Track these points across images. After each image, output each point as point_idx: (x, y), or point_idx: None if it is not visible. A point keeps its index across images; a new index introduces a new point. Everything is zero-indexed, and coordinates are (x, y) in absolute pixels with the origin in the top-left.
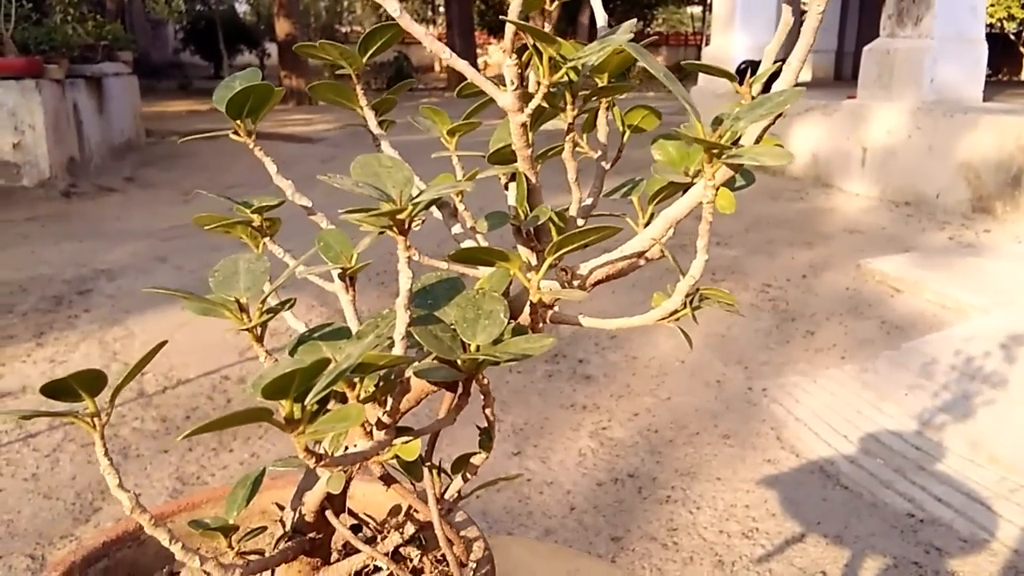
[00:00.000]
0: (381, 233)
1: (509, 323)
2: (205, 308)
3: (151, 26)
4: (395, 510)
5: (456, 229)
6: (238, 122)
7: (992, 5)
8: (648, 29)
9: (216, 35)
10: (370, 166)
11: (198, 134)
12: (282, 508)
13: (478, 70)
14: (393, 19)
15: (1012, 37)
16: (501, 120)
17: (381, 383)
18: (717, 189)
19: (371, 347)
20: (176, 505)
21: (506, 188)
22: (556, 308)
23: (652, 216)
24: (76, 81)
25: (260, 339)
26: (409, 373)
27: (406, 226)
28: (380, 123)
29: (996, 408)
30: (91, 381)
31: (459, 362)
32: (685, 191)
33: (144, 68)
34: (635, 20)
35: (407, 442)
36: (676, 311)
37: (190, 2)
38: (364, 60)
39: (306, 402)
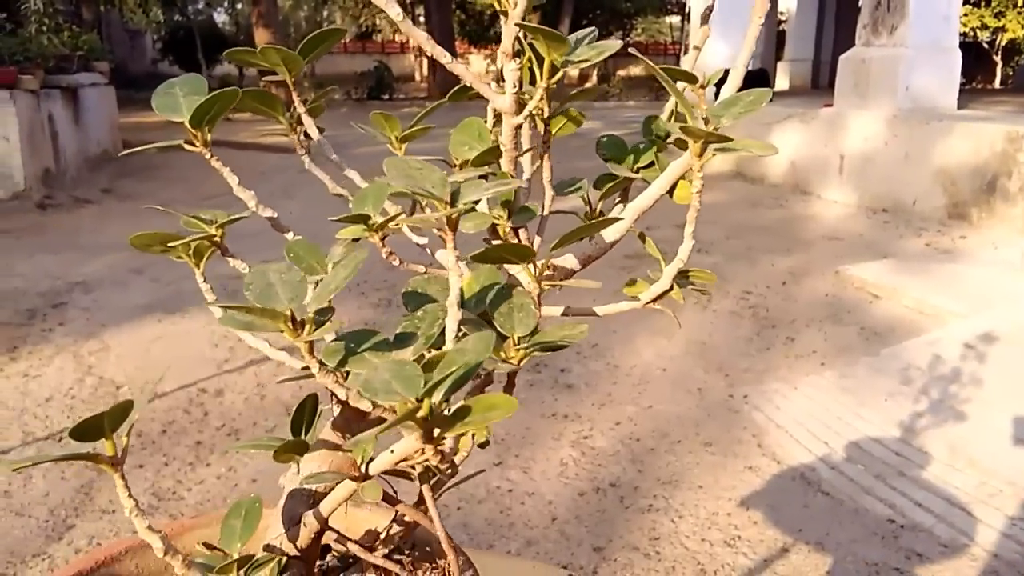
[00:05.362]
0: (356, 240)
1: None
2: (250, 323)
3: (129, 36)
4: (371, 534)
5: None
6: (195, 132)
7: (966, 15)
8: (628, 38)
9: (195, 45)
10: (403, 168)
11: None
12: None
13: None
14: (337, 25)
15: (985, 46)
16: (452, 128)
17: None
18: (695, 178)
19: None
20: (168, 529)
21: None
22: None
23: (600, 212)
24: (51, 92)
25: (312, 351)
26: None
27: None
28: (320, 130)
29: (974, 413)
30: (120, 415)
31: (508, 355)
32: (626, 189)
33: (122, 79)
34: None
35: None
36: (663, 293)
37: (168, 12)
38: (304, 63)
39: (435, 400)
